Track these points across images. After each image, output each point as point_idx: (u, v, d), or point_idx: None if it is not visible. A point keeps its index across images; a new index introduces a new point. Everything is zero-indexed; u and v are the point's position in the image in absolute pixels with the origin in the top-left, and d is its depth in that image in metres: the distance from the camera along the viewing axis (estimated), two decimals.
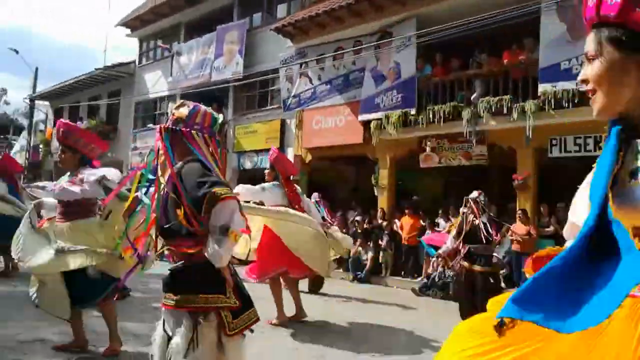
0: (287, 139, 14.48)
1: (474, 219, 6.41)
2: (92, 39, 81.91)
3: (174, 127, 2.51)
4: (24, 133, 25.37)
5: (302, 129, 13.68)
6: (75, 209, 4.10)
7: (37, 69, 24.34)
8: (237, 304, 2.36)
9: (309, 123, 13.50)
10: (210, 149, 2.54)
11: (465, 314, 5.82)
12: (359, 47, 12.21)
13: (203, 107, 2.59)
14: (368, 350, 4.84)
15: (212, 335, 2.30)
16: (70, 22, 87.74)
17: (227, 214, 2.26)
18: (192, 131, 2.50)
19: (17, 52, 22.84)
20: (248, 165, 15.51)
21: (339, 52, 12.63)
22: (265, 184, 5.93)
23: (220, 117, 2.66)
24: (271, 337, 5.12)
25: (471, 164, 10.66)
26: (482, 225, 6.29)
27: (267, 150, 14.74)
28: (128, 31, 20.73)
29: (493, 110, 9.75)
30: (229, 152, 16.06)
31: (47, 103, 25.63)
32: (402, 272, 10.92)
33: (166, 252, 2.50)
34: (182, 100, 2.66)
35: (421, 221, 10.93)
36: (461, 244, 6.42)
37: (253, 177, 16.37)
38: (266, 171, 6.24)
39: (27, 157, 23.96)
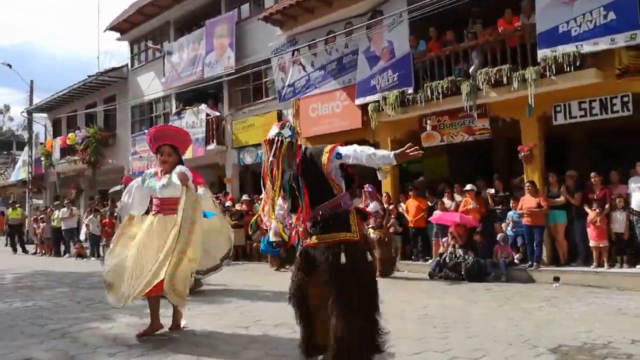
0: None
1: None
2: (86, 47, 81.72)
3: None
4: (26, 148, 25.27)
5: (300, 118, 13.38)
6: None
7: (32, 81, 24.18)
8: None
9: (305, 112, 13.20)
10: None
11: None
12: (350, 29, 11.85)
13: None
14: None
15: None
16: (65, 34, 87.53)
17: None
18: None
19: (10, 66, 22.64)
20: (248, 160, 15.26)
21: (330, 36, 12.29)
22: None
23: None
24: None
25: (475, 139, 10.33)
26: None
27: None
28: (118, 35, 20.47)
29: (492, 81, 9.39)
30: (228, 148, 15.81)
31: (45, 115, 25.50)
32: (412, 257, 10.65)
33: None
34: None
35: (428, 202, 10.63)
36: None
37: (255, 172, 16.22)
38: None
39: (30, 170, 23.86)
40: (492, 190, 10.02)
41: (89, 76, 20.77)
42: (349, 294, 3.33)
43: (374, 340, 3.47)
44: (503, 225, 9.63)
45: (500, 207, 9.86)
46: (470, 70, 9.79)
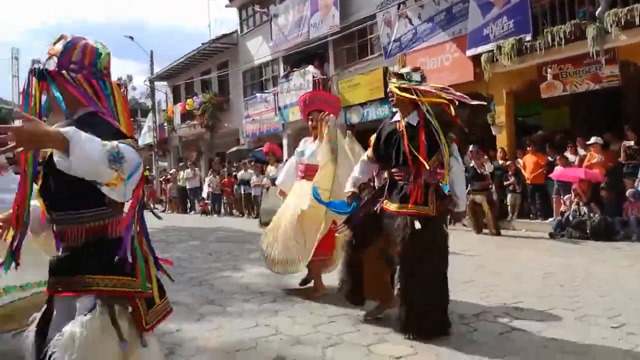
0: None
1: None
2: (197, 17, 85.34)
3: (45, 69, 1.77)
4: (150, 114, 27.38)
5: None
6: None
7: (152, 52, 25.85)
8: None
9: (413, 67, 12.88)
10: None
11: None
12: None
13: (83, 41, 1.84)
14: (498, 301, 4.56)
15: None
16: (176, 5, 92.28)
17: None
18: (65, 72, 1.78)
19: (132, 38, 24.37)
20: (355, 119, 15.32)
21: None
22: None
23: (106, 50, 1.89)
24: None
25: (602, 88, 9.49)
26: None
27: (373, 101, 14.54)
28: (227, 2, 21.19)
29: (622, 23, 8.51)
30: None
31: (165, 83, 27.35)
32: (530, 215, 10.21)
33: None
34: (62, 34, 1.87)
35: (548, 157, 10.05)
36: None
37: (362, 131, 16.27)
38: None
39: (155, 135, 25.91)
40: (630, 143, 9.21)
41: (203, 44, 21.83)
42: (414, 264, 3.39)
43: (438, 314, 3.47)
44: (636, 181, 8.86)
45: (633, 161, 9.06)
46: (597, 13, 8.93)
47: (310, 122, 4.86)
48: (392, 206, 3.61)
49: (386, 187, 3.73)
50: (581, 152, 9.57)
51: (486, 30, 10.73)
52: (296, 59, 17.37)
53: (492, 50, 10.47)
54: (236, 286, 5.25)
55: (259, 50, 19.47)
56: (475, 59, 11.02)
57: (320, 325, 3.82)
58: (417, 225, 3.38)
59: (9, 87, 43.76)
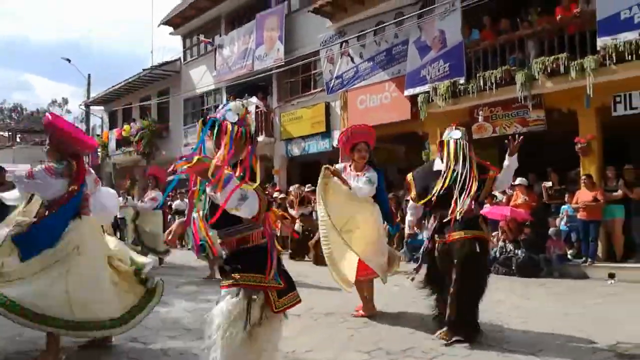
0: (332, 122, 14.25)
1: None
2: (140, 43, 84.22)
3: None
4: None
5: (347, 111, 13.39)
6: None
7: (89, 75, 25.17)
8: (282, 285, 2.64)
9: (353, 103, 13.20)
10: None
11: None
12: (400, 19, 11.74)
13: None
14: (426, 336, 4.60)
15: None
16: (120, 30, 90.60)
17: None
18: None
19: (69, 61, 23.68)
20: (296, 151, 15.42)
21: (379, 27, 12.21)
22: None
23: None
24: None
25: (529, 131, 10.05)
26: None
27: (314, 135, 14.70)
28: (171, 29, 21.04)
29: (549, 70, 9.12)
30: (276, 140, 16.02)
31: (101, 108, 26.55)
32: None
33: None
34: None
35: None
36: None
37: (302, 164, 16.39)
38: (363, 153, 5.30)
39: (88, 161, 24.91)
40: (549, 184, 9.75)
41: (144, 70, 21.47)
42: (473, 278, 4.25)
43: (476, 312, 4.35)
44: (557, 220, 9.37)
45: (554, 201, 9.58)
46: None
47: (356, 153, 5.19)
48: (455, 235, 4.37)
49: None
50: (508, 191, 10.01)
51: (423, 72, 11.18)
52: (239, 90, 17.38)
53: (428, 91, 10.90)
54: (162, 321, 5.01)
55: (202, 79, 19.35)
56: (413, 98, 11.43)
57: None
58: (477, 249, 4.27)
59: None
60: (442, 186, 4.35)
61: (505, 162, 4.52)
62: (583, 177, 8.93)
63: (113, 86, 23.57)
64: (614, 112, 8.83)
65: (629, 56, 8.13)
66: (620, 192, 8.67)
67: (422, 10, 11.27)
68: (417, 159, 11.76)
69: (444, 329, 4.30)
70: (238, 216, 2.48)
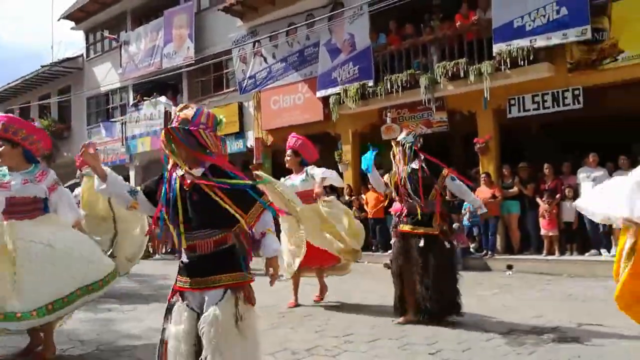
0: (246, 123, 14.09)
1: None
2: (39, 36, 78.60)
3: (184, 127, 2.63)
4: None
5: (261, 111, 13.31)
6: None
7: None
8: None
9: (267, 104, 13.14)
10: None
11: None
12: (311, 21, 11.85)
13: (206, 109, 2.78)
14: (331, 334, 4.64)
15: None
16: (16, 22, 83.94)
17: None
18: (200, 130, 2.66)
19: None
20: None
21: (291, 28, 12.25)
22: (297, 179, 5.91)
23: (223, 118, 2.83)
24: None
25: (433, 132, 10.52)
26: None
27: (227, 135, 14.43)
28: (73, 24, 19.82)
29: (450, 74, 9.59)
30: None
31: None
32: (371, 247, 10.78)
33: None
34: (185, 103, 2.83)
35: (387, 193, 10.75)
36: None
37: None
38: (288, 158, 6.06)
39: None
40: None
41: (43, 66, 20.04)
42: (428, 268, 4.69)
43: (452, 300, 4.77)
44: (461, 216, 9.85)
45: (456, 198, 10.06)
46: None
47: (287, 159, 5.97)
48: (407, 228, 4.98)
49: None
50: None
51: (334, 74, 11.36)
52: (147, 88, 16.72)
53: (339, 93, 11.09)
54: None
55: (106, 76, 18.39)
56: (325, 100, 11.58)
57: None
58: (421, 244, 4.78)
59: None
60: (397, 183, 5.05)
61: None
62: (482, 175, 9.47)
63: (9, 83, 21.81)
64: (509, 114, 9.45)
65: (521, 62, 8.73)
66: (515, 188, 9.28)
67: (332, 13, 11.45)
68: (331, 159, 11.92)
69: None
70: (218, 218, 2.56)
